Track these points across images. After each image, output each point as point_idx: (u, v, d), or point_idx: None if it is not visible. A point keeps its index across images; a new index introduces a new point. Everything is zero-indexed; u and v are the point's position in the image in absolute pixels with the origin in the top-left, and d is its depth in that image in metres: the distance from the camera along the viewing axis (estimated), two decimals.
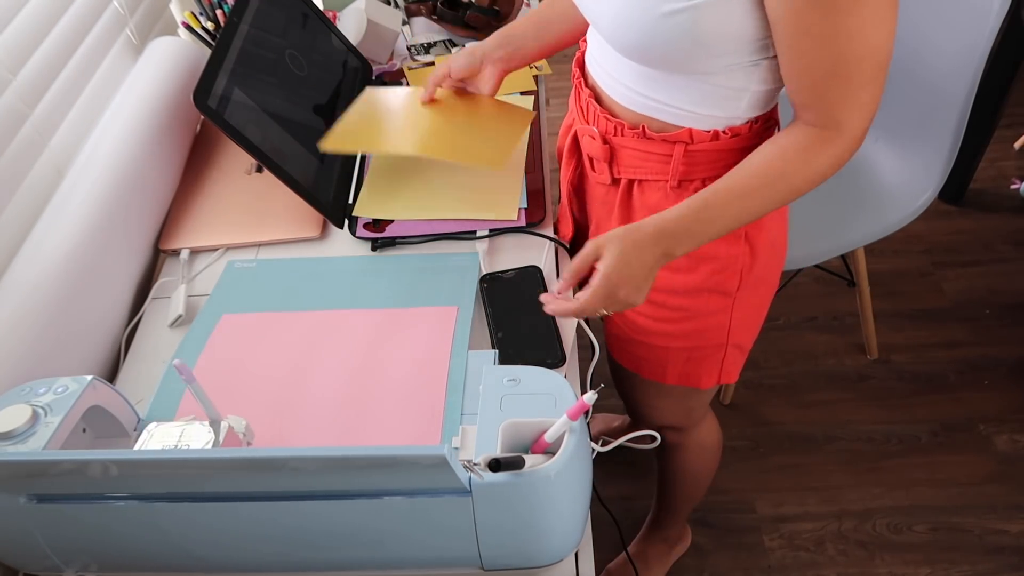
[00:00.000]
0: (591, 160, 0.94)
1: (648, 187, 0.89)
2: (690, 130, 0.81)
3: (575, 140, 0.98)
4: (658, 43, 0.74)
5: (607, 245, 0.79)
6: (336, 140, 1.06)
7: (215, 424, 0.71)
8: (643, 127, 0.84)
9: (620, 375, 1.13)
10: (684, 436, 1.23)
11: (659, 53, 0.76)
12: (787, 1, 0.67)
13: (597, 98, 0.90)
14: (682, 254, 0.80)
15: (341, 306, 0.97)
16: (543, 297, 0.84)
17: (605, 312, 0.81)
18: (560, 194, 1.06)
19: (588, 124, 0.91)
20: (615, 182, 0.91)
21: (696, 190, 0.83)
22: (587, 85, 0.92)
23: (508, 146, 1.05)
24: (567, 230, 1.07)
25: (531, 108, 1.23)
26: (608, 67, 0.86)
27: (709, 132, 0.81)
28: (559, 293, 0.84)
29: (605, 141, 0.88)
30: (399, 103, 1.13)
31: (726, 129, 0.81)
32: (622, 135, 0.86)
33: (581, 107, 0.92)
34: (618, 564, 1.49)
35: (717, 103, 0.80)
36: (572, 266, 0.82)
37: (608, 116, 0.87)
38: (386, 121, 1.11)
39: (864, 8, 0.66)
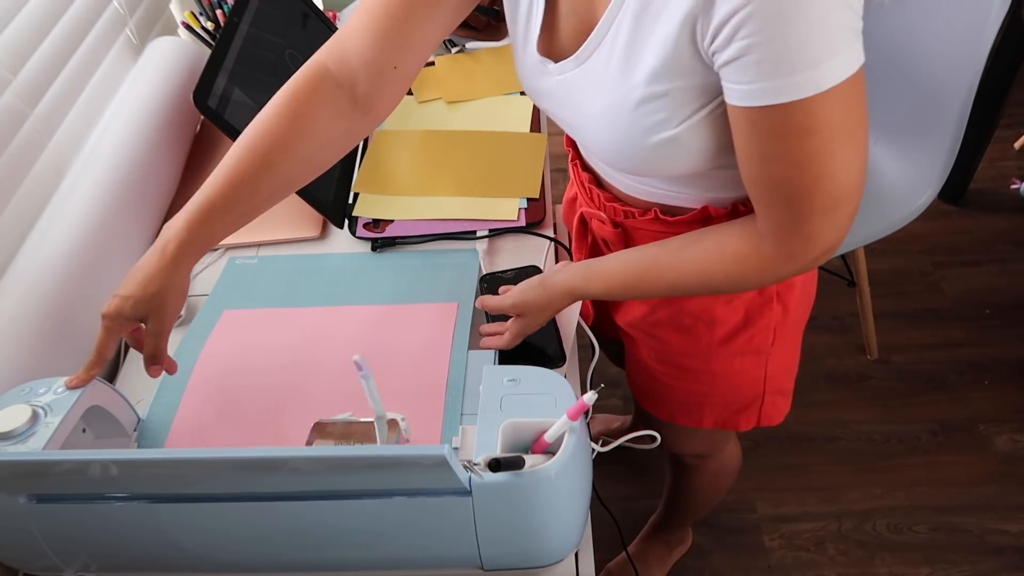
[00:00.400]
0: (604, 242, 0.90)
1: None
2: (706, 208, 0.77)
3: (582, 222, 0.93)
4: (652, 166, 0.71)
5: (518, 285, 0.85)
6: (362, 184, 1.11)
7: (379, 420, 0.71)
8: (655, 211, 0.80)
9: (642, 413, 1.10)
10: (704, 461, 1.21)
11: (656, 172, 0.74)
12: (737, 118, 0.62)
13: (598, 182, 0.86)
14: (587, 297, 0.84)
15: (341, 304, 0.97)
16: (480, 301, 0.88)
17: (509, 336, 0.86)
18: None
19: (595, 208, 0.87)
20: None
21: None
22: (584, 168, 0.87)
23: (535, 173, 1.11)
24: (587, 312, 1.01)
25: (531, 109, 1.23)
26: (603, 163, 0.82)
27: (726, 207, 0.77)
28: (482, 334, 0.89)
29: (616, 225, 0.85)
30: (414, 145, 1.17)
31: (745, 201, 0.76)
32: (634, 219, 0.83)
33: (583, 188, 0.88)
34: (618, 564, 1.49)
35: (728, 186, 0.76)
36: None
37: (615, 202, 0.83)
38: (409, 164, 1.15)
39: (815, 136, 0.59)
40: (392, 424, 0.74)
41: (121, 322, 0.73)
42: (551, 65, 0.72)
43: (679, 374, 0.95)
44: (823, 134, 0.59)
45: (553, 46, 0.73)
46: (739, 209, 0.76)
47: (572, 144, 0.89)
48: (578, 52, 0.69)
